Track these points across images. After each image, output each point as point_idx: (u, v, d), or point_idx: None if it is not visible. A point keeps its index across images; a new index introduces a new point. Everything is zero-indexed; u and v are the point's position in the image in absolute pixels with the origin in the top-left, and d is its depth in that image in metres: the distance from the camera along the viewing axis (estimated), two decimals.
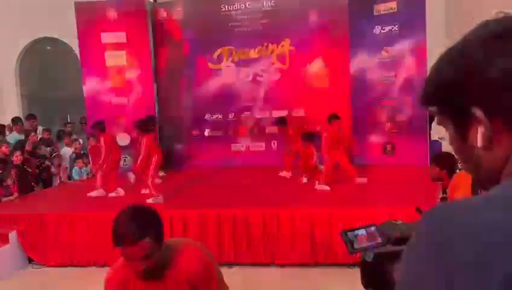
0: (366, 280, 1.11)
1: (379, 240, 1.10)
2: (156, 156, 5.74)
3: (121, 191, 6.16)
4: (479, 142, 0.62)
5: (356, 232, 1.12)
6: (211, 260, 1.79)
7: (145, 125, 5.94)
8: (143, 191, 5.89)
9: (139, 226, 1.56)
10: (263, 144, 8.31)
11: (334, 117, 6.01)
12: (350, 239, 1.10)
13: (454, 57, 0.64)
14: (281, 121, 7.18)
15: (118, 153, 6.38)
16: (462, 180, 2.35)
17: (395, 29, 7.06)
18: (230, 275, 4.87)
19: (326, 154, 5.92)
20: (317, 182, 5.91)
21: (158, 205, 4.93)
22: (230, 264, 5.04)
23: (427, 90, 0.68)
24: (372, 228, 1.12)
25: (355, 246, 1.10)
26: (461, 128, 0.64)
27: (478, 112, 0.60)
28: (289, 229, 4.95)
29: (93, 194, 6.11)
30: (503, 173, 0.63)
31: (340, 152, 6.06)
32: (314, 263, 4.84)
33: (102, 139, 6.12)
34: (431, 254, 0.56)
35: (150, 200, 5.35)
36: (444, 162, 3.40)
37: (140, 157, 5.72)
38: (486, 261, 0.52)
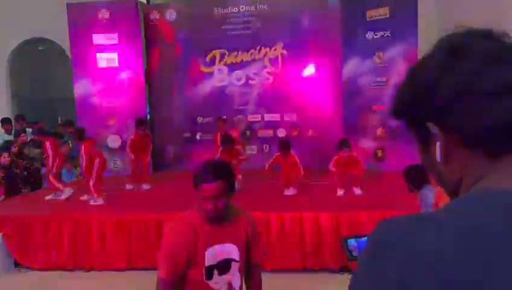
0: None
1: None
2: (98, 159, 5.90)
3: (68, 191, 6.15)
4: (438, 157, 0.65)
5: (357, 240, 1.08)
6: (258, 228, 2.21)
7: (79, 133, 6.13)
8: (82, 198, 6.00)
9: (217, 170, 1.91)
10: (255, 148, 8.30)
11: (343, 144, 5.58)
12: (349, 247, 1.06)
13: (412, 74, 0.67)
14: (227, 140, 6.20)
15: (62, 158, 6.38)
16: None
17: (387, 35, 7.08)
18: None
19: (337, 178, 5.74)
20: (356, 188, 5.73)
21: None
22: None
23: (393, 105, 0.71)
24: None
25: (355, 253, 1.06)
26: (424, 142, 0.67)
27: (433, 128, 0.63)
28: (279, 234, 4.92)
29: (63, 196, 6.12)
30: (461, 186, 0.65)
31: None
32: (303, 269, 4.82)
33: (47, 144, 6.08)
34: (369, 262, 0.60)
35: (91, 202, 5.77)
36: (409, 176, 3.49)
37: (84, 164, 5.94)
38: (409, 280, 0.53)
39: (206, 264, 1.91)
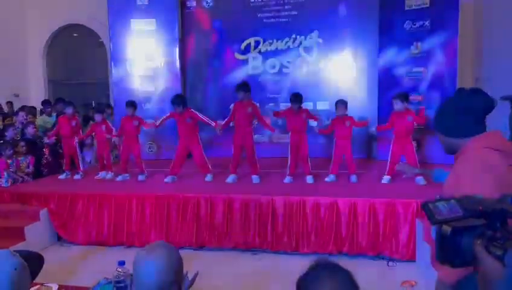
0: (443, 254, 1.11)
1: (460, 213, 1.10)
2: None
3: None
4: None
5: (437, 204, 1.13)
6: None
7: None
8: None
9: None
10: (286, 136, 8.31)
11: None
12: (431, 210, 1.11)
13: None
14: None
15: None
16: None
17: (426, 25, 6.97)
18: (255, 261, 4.95)
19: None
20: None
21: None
22: (255, 251, 5.10)
23: None
24: (453, 201, 1.14)
25: (437, 217, 1.11)
26: None
27: None
28: (314, 218, 4.98)
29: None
30: None
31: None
32: (338, 253, 4.86)
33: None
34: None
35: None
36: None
37: None
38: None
39: None
